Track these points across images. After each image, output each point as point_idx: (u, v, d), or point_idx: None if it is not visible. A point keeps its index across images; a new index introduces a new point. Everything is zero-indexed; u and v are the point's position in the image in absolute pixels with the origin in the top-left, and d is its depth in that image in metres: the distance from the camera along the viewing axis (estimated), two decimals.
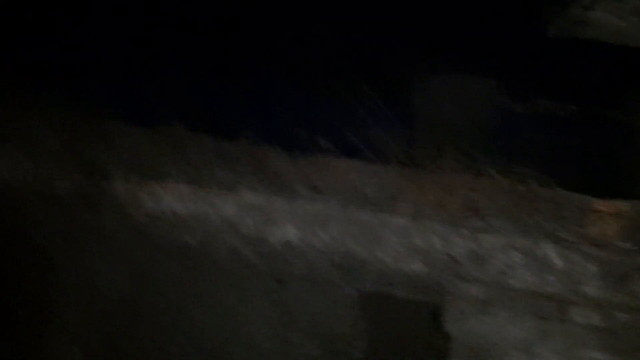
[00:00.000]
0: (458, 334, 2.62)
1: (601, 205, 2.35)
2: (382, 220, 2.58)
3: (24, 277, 2.90)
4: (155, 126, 2.58)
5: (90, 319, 2.83)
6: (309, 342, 2.76)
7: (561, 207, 2.38)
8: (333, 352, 2.78)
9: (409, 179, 2.44)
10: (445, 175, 2.41)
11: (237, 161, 2.46)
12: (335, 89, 2.53)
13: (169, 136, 2.50)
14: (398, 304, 2.66)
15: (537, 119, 2.43)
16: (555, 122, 2.43)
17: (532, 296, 2.54)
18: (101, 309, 2.83)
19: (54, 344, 2.83)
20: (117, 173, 2.65)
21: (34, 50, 2.68)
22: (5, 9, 2.57)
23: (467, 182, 2.39)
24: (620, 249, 2.44)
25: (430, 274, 2.58)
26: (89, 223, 2.78)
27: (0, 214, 2.74)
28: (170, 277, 2.85)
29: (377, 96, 2.50)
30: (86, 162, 2.68)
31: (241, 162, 2.46)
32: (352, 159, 2.51)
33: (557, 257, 2.52)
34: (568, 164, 2.38)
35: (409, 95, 2.54)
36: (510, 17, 2.26)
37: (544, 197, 2.38)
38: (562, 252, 2.50)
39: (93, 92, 2.73)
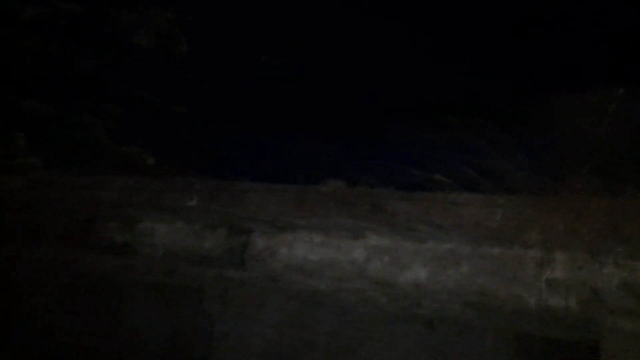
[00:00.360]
0: None
1: None
2: (512, 254, 2.42)
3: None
4: (281, 182, 2.74)
5: None
6: None
7: None
8: None
9: (535, 207, 2.27)
10: (578, 199, 2.20)
11: (354, 206, 2.50)
12: (446, 121, 2.48)
13: (291, 190, 2.63)
14: (540, 343, 2.42)
15: None
16: None
17: None
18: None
19: None
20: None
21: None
22: None
23: (604, 205, 2.15)
24: None
25: (575, 308, 2.34)
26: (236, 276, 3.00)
27: (159, 272, 3.09)
28: (321, 324, 2.93)
29: (491, 125, 2.40)
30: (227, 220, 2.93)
31: (358, 206, 2.50)
32: (471, 192, 2.41)
33: None
34: None
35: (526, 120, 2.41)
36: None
37: None
38: None
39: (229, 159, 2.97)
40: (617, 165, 2.30)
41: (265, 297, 2.98)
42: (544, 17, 1.80)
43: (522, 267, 2.44)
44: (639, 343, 2.26)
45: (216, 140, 2.82)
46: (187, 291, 3.25)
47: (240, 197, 2.81)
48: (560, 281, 2.37)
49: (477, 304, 2.53)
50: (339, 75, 2.21)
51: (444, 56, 2.05)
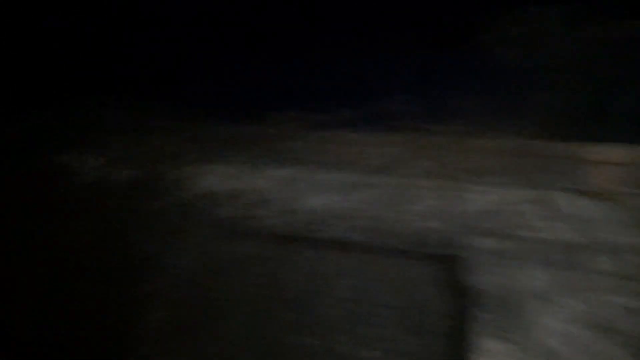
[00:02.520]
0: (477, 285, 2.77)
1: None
2: (391, 183, 2.77)
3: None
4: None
5: None
6: None
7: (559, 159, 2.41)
8: None
9: (408, 146, 2.61)
10: (439, 140, 2.54)
11: (252, 143, 2.76)
12: None
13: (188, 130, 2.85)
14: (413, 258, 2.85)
15: None
16: None
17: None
18: None
19: None
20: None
21: None
22: None
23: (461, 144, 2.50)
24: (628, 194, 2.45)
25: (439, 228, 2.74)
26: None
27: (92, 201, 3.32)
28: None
29: None
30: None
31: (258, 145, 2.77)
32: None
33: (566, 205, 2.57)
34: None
35: None
36: None
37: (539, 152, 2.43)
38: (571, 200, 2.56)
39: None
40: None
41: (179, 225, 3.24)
42: None
43: (401, 194, 2.81)
44: (491, 256, 2.70)
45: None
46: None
47: (146, 137, 3.01)
48: (428, 207, 2.75)
49: (364, 227, 2.90)
50: None
51: None
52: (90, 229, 3.49)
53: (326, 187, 2.95)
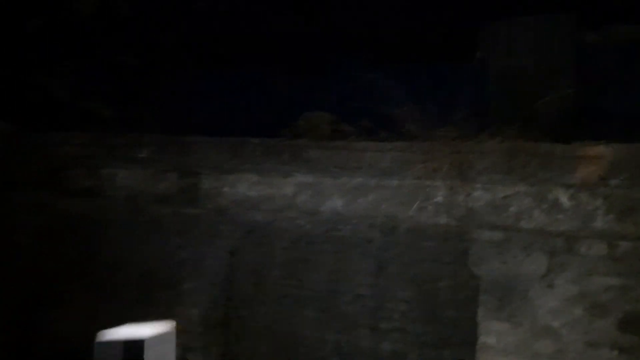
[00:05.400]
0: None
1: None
2: (407, 184, 3.10)
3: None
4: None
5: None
6: None
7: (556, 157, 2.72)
8: None
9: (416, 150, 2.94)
10: (446, 143, 2.86)
11: (279, 154, 3.13)
12: None
13: (227, 142, 3.24)
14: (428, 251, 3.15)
15: None
16: None
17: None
18: None
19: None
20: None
21: None
22: None
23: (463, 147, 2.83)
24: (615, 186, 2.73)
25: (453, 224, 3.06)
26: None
27: (124, 212, 3.70)
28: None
29: None
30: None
31: (282, 154, 3.13)
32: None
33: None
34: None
35: None
36: None
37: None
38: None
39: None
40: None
41: (216, 228, 3.60)
42: None
43: (415, 194, 3.14)
44: (495, 247, 3.00)
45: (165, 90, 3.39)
46: (151, 226, 3.88)
47: (186, 147, 3.39)
48: (442, 203, 3.07)
49: (380, 225, 3.23)
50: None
51: None
52: (135, 234, 3.87)
53: (346, 190, 3.28)
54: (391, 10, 3.03)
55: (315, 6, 2.79)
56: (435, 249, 3.17)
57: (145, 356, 2.52)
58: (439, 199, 3.02)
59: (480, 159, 2.89)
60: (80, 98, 3.56)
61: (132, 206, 3.63)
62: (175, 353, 2.83)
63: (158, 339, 2.63)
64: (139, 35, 3.11)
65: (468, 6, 2.97)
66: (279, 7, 2.82)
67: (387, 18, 3.04)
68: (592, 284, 2.82)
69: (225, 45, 3.16)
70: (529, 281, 2.97)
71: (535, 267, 2.97)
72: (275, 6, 2.83)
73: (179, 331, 2.98)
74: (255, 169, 3.40)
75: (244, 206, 3.46)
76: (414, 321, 3.18)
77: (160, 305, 3.84)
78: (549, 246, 2.92)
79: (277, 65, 3.48)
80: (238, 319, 3.59)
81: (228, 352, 3.61)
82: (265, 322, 3.58)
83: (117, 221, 3.92)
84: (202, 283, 3.54)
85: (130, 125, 3.57)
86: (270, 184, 3.42)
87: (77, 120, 3.59)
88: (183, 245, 3.61)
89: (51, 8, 2.84)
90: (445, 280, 3.15)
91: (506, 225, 2.97)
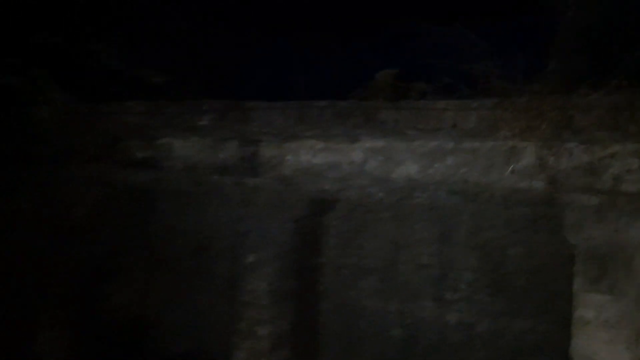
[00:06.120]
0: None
1: None
2: (487, 147, 2.82)
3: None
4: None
5: None
6: None
7: None
8: None
9: (504, 108, 2.63)
10: (538, 99, 2.55)
11: (348, 117, 2.88)
12: None
13: (292, 106, 3.01)
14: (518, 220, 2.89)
15: None
16: None
17: None
18: None
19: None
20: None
21: None
22: None
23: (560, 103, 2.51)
24: None
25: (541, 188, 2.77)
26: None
27: (183, 183, 3.55)
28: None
29: None
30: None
31: (353, 117, 2.88)
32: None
33: None
34: None
35: None
36: None
37: None
38: None
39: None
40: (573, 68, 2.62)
41: (279, 198, 3.41)
42: None
43: (496, 157, 2.85)
44: (594, 213, 2.71)
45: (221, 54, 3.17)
46: (210, 197, 3.72)
47: (247, 114, 3.18)
48: (528, 167, 2.78)
49: (460, 191, 2.97)
50: None
51: None
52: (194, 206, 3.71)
53: (421, 154, 3.02)
54: None
55: None
56: (528, 216, 2.90)
57: None
58: (531, 160, 2.72)
59: (584, 115, 2.55)
60: (135, 67, 3.38)
61: (191, 177, 3.47)
62: None
63: None
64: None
65: None
66: None
67: None
68: None
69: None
70: (633, 249, 2.68)
71: (638, 233, 2.68)
72: None
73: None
74: (322, 134, 3.16)
75: (308, 175, 3.25)
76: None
77: (221, 278, 3.71)
78: None
79: (346, 28, 3.21)
80: (306, 291, 3.45)
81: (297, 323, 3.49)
82: (335, 294, 3.42)
83: (175, 192, 3.78)
84: (266, 255, 3.39)
85: (186, 93, 3.41)
86: (337, 151, 3.20)
87: (133, 89, 3.44)
88: (245, 217, 3.44)
89: None
90: (540, 248, 2.89)
91: (606, 189, 2.67)
